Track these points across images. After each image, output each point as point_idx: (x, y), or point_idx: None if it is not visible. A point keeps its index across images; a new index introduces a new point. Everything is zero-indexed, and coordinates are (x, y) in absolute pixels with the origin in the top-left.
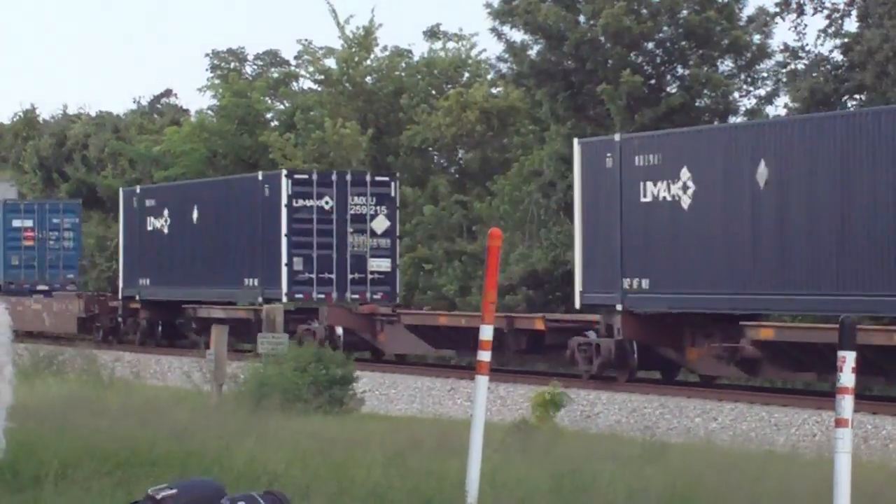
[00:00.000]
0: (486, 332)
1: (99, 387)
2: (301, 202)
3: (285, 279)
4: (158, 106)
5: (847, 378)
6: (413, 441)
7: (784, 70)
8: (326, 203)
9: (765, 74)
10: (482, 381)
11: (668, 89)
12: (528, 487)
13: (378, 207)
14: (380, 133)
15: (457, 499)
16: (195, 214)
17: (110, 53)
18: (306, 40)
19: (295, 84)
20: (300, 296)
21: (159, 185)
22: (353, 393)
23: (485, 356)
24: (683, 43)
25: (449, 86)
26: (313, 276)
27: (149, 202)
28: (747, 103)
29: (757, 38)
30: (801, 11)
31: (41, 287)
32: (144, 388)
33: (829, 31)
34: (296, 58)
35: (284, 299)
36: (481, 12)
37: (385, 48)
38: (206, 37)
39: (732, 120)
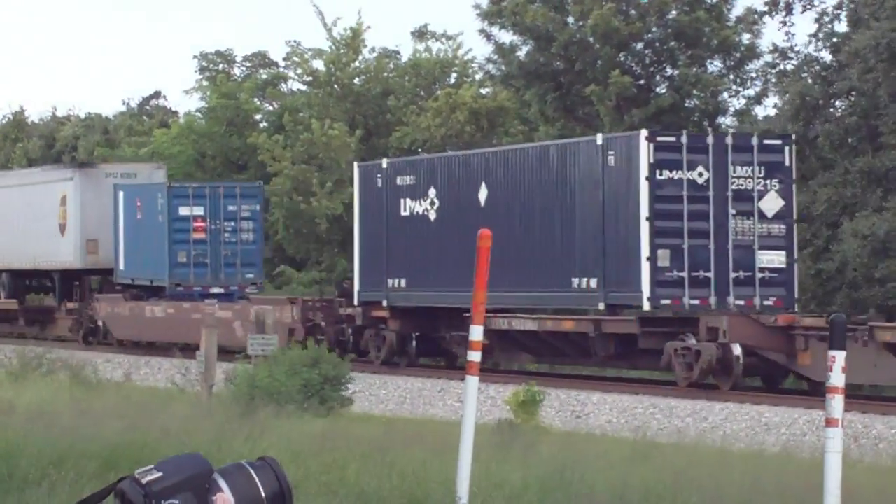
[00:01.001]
0: (476, 333)
1: (88, 388)
2: (667, 174)
3: (647, 279)
4: (147, 108)
5: (837, 378)
6: (403, 442)
7: (773, 71)
8: (700, 175)
9: (753, 75)
10: (472, 381)
11: (658, 89)
12: (517, 487)
13: (768, 181)
14: (369, 134)
15: (447, 499)
16: (483, 194)
17: (99, 55)
18: (295, 41)
19: (284, 86)
20: (667, 301)
21: (421, 158)
22: (344, 393)
23: (475, 357)
24: (672, 43)
25: (436, 86)
26: (684, 274)
27: (402, 179)
28: (736, 103)
29: (746, 38)
30: (789, 10)
31: (215, 290)
32: (133, 390)
33: (819, 35)
34: (284, 59)
35: (646, 306)
36: (469, 13)
37: (373, 49)
38: (194, 38)
39: (721, 120)
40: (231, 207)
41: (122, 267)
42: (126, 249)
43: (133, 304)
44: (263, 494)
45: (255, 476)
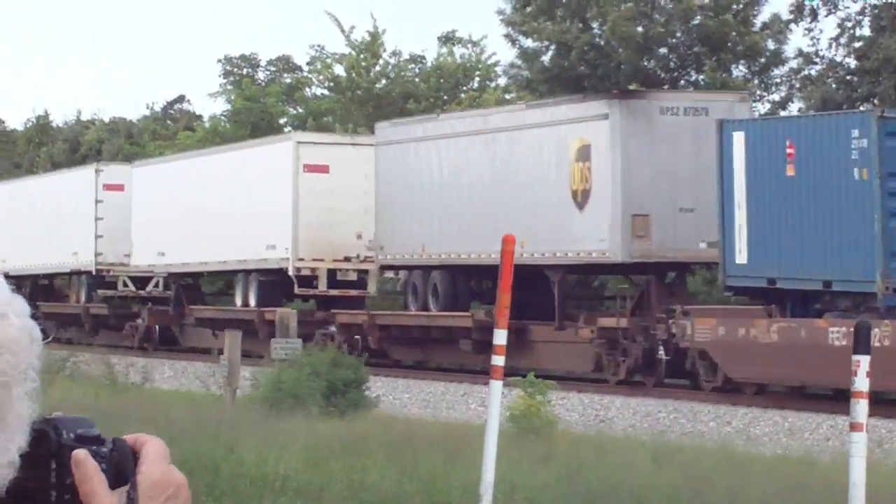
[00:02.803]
0: (500, 337)
1: (113, 391)
2: None
3: None
4: (171, 112)
5: (861, 382)
6: (425, 445)
7: (798, 76)
8: None
9: (778, 80)
10: (496, 386)
11: None
12: (539, 490)
13: None
14: None
15: (469, 503)
16: None
17: (124, 59)
18: (318, 46)
19: (307, 90)
20: None
21: None
22: (366, 395)
23: (499, 361)
24: (696, 49)
25: (459, 89)
26: None
27: None
28: (762, 108)
29: (771, 44)
30: (814, 17)
31: None
32: (159, 393)
33: (842, 40)
34: (308, 64)
35: None
36: (495, 18)
37: (394, 53)
38: (219, 43)
39: None
40: None
41: (741, 259)
42: (752, 229)
43: (789, 323)
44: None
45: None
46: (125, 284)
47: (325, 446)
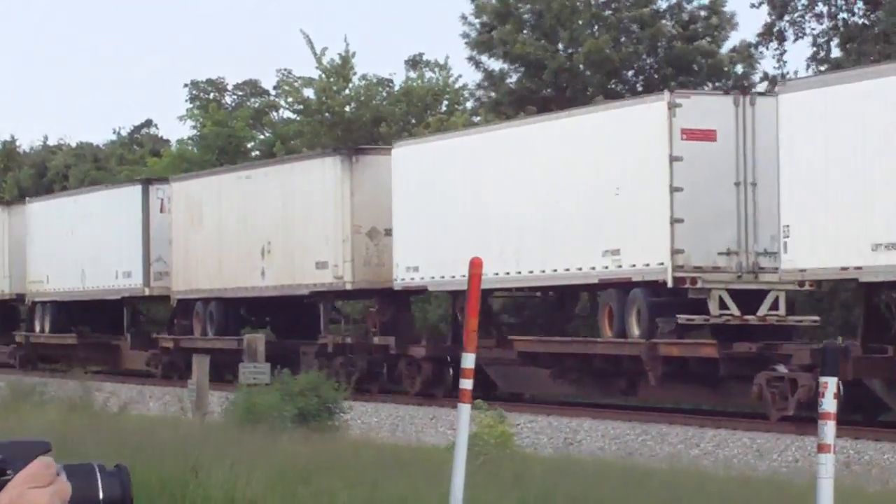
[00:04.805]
0: (468, 361)
1: (82, 417)
2: None
3: None
4: (138, 136)
5: (829, 404)
6: (394, 469)
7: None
8: None
9: None
10: (465, 409)
11: None
12: None
13: None
14: None
15: None
16: None
17: (90, 84)
18: (285, 70)
19: (275, 114)
20: None
21: None
22: (340, 421)
23: (467, 384)
24: (666, 71)
25: (428, 113)
26: None
27: None
28: None
29: (740, 67)
30: (781, 39)
31: None
32: (126, 418)
33: (818, 57)
34: (275, 87)
35: None
36: (458, 41)
37: (363, 77)
38: (186, 67)
39: None
40: None
41: None
42: None
43: None
44: (101, 496)
45: (98, 477)
46: (722, 305)
47: (292, 470)
